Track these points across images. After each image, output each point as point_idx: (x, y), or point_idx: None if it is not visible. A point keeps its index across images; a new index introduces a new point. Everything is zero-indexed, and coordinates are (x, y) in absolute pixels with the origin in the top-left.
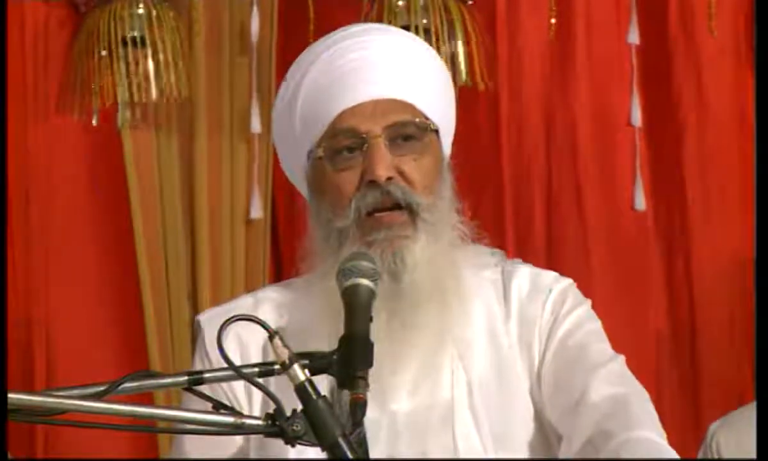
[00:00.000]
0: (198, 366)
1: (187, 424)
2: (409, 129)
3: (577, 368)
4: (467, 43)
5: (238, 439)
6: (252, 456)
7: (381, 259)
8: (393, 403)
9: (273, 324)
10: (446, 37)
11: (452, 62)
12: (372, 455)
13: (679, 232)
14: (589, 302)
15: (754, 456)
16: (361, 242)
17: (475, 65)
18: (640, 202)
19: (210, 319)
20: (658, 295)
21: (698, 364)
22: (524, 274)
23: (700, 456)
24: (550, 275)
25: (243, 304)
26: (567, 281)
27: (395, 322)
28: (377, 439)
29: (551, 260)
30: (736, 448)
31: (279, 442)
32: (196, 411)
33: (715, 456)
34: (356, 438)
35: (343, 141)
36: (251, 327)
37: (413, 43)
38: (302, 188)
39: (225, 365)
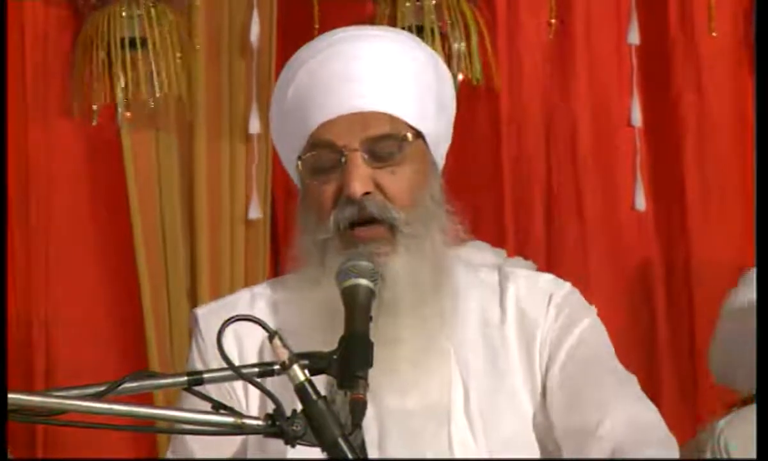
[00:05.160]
0: (195, 360)
1: (186, 424)
2: (386, 142)
3: (587, 391)
4: (480, 43)
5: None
6: (250, 452)
7: None
8: (387, 401)
9: (268, 321)
10: (460, 36)
11: (467, 61)
12: (368, 448)
13: (678, 232)
14: (593, 309)
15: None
16: (341, 255)
17: (490, 64)
18: (640, 202)
19: (207, 313)
20: (657, 295)
21: (697, 364)
22: (522, 276)
23: (708, 452)
24: (548, 279)
25: (240, 300)
26: (567, 286)
27: (379, 333)
28: (370, 430)
29: (551, 260)
30: (744, 446)
31: (279, 441)
32: (195, 411)
33: (723, 454)
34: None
35: (322, 154)
36: (249, 323)
37: (403, 47)
38: (299, 186)
39: (223, 363)
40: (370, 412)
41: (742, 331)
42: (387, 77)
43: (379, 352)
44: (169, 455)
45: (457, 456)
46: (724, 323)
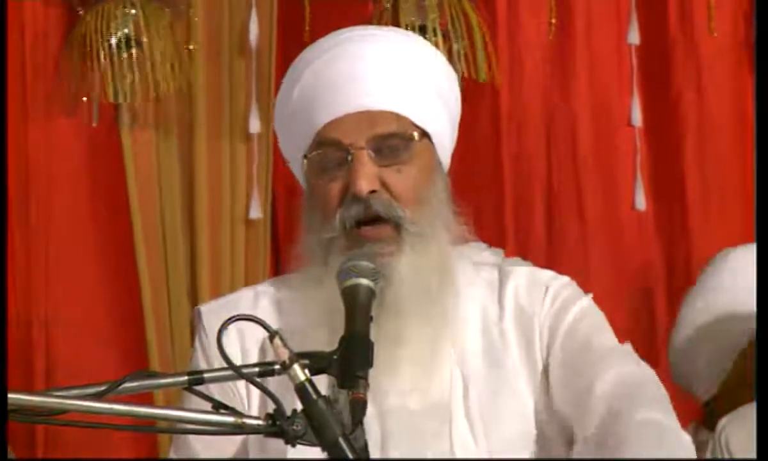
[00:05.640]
0: (198, 357)
1: (187, 424)
2: (393, 140)
3: (585, 359)
4: (483, 41)
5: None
6: (251, 452)
7: None
8: (390, 401)
9: (271, 320)
10: (462, 34)
11: (471, 60)
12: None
13: (679, 231)
14: (590, 295)
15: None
16: (346, 255)
17: (491, 63)
18: (641, 202)
19: (210, 311)
20: (657, 295)
21: None
22: (521, 273)
23: (709, 450)
24: (548, 273)
25: (243, 298)
26: (565, 278)
27: (383, 332)
28: (372, 431)
29: (551, 260)
30: (745, 442)
31: (279, 441)
32: (196, 411)
33: (724, 450)
34: (357, 440)
35: (329, 153)
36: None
37: (408, 47)
38: (304, 186)
39: (225, 362)
40: (372, 412)
41: (696, 340)
42: (393, 76)
43: (381, 352)
44: (171, 455)
45: (458, 456)
46: (680, 331)
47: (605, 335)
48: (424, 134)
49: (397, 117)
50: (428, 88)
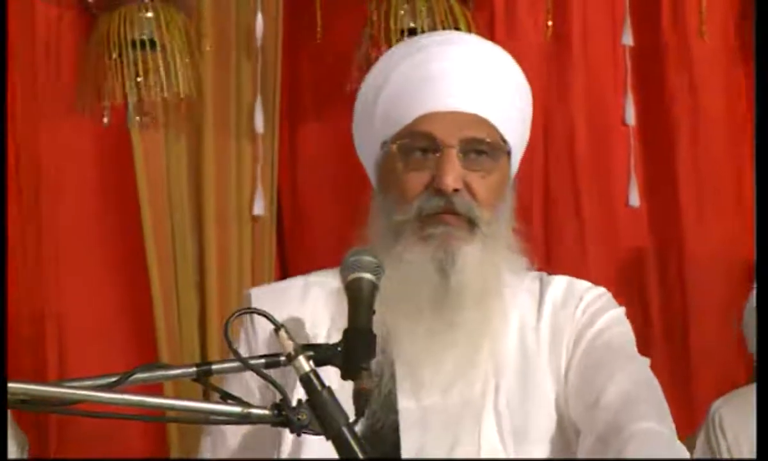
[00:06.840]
0: (242, 339)
1: (196, 414)
2: (483, 146)
3: (599, 369)
4: None
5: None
6: (284, 451)
7: (433, 255)
8: (427, 397)
9: (323, 310)
10: None
11: None
12: (403, 444)
13: (672, 228)
14: (621, 308)
15: (754, 429)
16: (417, 236)
17: None
18: (634, 199)
19: (260, 295)
20: (652, 293)
21: (691, 363)
22: (560, 283)
23: (701, 432)
24: (583, 284)
25: (292, 287)
26: (600, 290)
27: (438, 321)
28: (409, 429)
29: (549, 258)
30: (738, 424)
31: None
32: (203, 401)
33: (717, 430)
34: (389, 426)
35: (418, 143)
36: (300, 310)
37: (500, 60)
38: (372, 177)
39: (271, 347)
40: (413, 406)
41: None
42: (487, 85)
43: (433, 338)
44: (206, 455)
45: (483, 450)
46: (749, 303)
47: (623, 348)
48: (507, 146)
49: (488, 125)
50: (515, 105)
